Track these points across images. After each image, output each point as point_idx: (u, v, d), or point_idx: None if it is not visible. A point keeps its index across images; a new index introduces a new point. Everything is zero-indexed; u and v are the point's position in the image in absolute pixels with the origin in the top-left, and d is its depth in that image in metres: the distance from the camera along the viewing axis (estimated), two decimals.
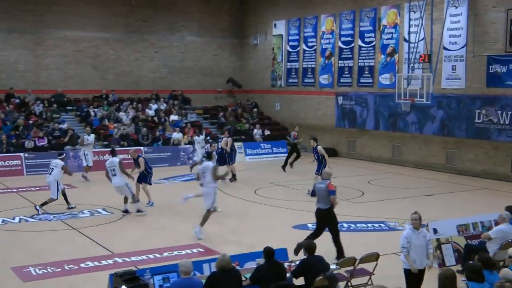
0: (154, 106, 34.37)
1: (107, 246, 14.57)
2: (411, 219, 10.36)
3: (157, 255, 13.69)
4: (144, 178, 19.68)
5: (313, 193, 13.80)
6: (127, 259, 13.41)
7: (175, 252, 13.96)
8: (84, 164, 25.27)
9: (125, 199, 18.43)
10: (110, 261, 13.31)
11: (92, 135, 26.16)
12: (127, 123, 31.47)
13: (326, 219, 13.44)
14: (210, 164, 15.83)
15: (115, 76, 36.12)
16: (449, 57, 26.58)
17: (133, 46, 36.53)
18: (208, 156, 16.65)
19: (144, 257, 13.58)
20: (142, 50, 36.86)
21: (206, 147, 25.08)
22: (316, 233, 13.46)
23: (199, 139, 26.89)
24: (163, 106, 34.79)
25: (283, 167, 27.05)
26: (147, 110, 33.87)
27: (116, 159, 18.40)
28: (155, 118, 33.31)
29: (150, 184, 19.88)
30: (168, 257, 13.49)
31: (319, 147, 21.69)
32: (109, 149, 22.69)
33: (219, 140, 25.56)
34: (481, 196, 21.64)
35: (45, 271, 12.66)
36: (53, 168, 18.74)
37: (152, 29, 36.98)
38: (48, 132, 29.39)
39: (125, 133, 30.17)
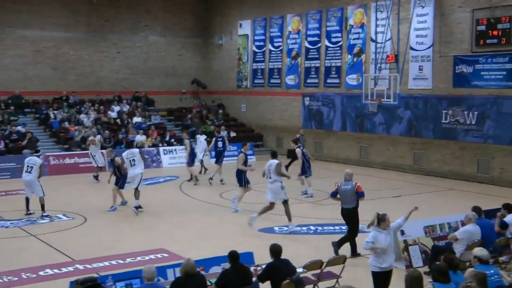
0: (117, 108, 34.14)
1: (67, 253, 14.37)
2: (387, 220, 10.49)
3: (120, 261, 13.56)
4: (117, 180, 19.55)
5: (334, 194, 14.49)
6: (88, 266, 13.24)
7: (139, 258, 13.84)
8: (94, 165, 25.75)
9: (135, 194, 18.92)
10: (71, 268, 13.12)
11: (98, 136, 27.29)
12: (88, 125, 31.17)
13: (351, 218, 14.17)
14: (274, 161, 16.96)
15: (76, 77, 35.76)
16: (416, 57, 26.90)
17: (94, 46, 36.23)
18: (273, 154, 17.65)
19: (106, 263, 13.43)
20: (104, 50, 36.58)
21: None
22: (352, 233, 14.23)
23: (201, 137, 27.77)
24: (126, 108, 34.57)
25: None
26: (109, 112, 33.62)
27: (136, 150, 19.65)
28: (118, 120, 33.05)
29: (122, 188, 19.68)
30: (131, 263, 13.36)
31: (297, 150, 21.83)
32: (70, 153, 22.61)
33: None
34: (448, 197, 21.92)
35: (0, 280, 12.38)
36: (32, 166, 18.52)
37: (114, 28, 36.73)
38: (5, 135, 28.96)
39: (87, 135, 29.86)
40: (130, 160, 19.09)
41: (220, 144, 24.93)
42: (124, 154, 19.51)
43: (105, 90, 36.09)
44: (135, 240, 15.76)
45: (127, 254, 14.12)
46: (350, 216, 14.20)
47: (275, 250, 10.03)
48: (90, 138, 26.80)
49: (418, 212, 11.72)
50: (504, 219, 13.37)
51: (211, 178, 24.30)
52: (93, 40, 36.16)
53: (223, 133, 28.50)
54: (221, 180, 24.55)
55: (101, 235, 16.42)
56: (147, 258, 13.85)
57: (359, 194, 14.13)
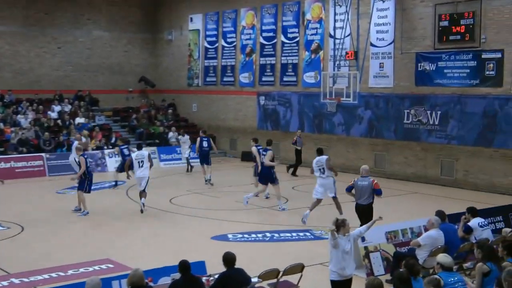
0: (57, 108, 33.68)
1: (1, 266, 14.03)
2: (347, 226, 10.56)
3: (61, 273, 13.36)
4: (82, 184, 19.49)
5: (349, 189, 15.54)
6: (25, 280, 12.98)
7: (82, 269, 13.67)
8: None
9: (141, 194, 19.91)
10: (5, 283, 12.82)
11: (187, 136, 29.52)
12: (26, 126, 30.66)
13: (366, 213, 15.12)
14: (323, 157, 18.39)
15: (12, 74, 35.13)
16: (377, 54, 27.20)
17: (33, 40, 35.66)
18: (319, 150, 18.93)
19: (46, 276, 13.21)
20: (44, 45, 36.05)
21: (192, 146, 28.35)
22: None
23: (184, 138, 29.39)
24: (68, 108, 34.12)
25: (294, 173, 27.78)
26: (49, 112, 33.15)
27: (145, 152, 20.71)
28: (59, 121, 32.60)
29: (88, 192, 19.75)
30: (74, 275, 13.21)
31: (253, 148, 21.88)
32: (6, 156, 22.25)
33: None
34: (410, 201, 22.19)
35: None
36: None
37: (55, 22, 36.22)
38: None
39: (24, 138, 29.39)
40: (138, 162, 20.12)
41: (205, 144, 25.21)
42: (133, 155, 20.59)
43: (44, 88, 35.56)
44: (78, 250, 15.54)
45: (68, 265, 13.91)
46: (365, 212, 15.18)
47: (229, 259, 10.00)
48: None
49: (383, 217, 11.83)
50: (469, 223, 13.59)
51: (206, 180, 24.94)
52: (31, 34, 35.58)
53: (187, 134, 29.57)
54: (209, 180, 25.41)
55: (40, 245, 16.14)
56: (90, 269, 13.69)
57: (377, 192, 15.38)
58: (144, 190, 19.97)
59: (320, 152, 18.74)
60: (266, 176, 20.35)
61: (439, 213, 13.20)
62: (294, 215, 19.58)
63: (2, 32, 34.73)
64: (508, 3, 23.08)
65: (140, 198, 19.94)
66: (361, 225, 14.20)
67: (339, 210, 17.86)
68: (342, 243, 10.38)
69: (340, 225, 10.54)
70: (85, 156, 19.82)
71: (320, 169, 18.29)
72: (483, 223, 13.73)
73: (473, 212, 13.88)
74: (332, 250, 10.48)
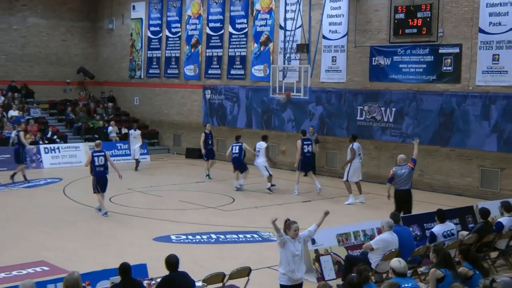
0: None
1: None
2: (292, 229, 10.51)
3: None
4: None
5: (391, 181, 17.29)
6: None
7: (14, 272, 13.48)
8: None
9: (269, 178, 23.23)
10: None
11: (138, 131, 29.46)
12: None
13: (408, 198, 17.19)
14: (263, 143, 23.34)
15: None
16: (329, 47, 27.31)
17: None
18: (354, 137, 22.12)
19: None
20: None
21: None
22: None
23: (135, 133, 29.05)
24: (1, 100, 33.50)
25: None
26: None
27: (264, 144, 23.56)
28: None
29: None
30: (6, 278, 13.02)
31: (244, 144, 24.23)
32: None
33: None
34: (364, 202, 22.27)
35: None
36: None
37: None
38: None
39: None
40: (257, 151, 23.84)
41: (235, 149, 24.14)
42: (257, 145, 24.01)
43: None
44: (10, 252, 15.29)
45: (1, 268, 13.68)
46: (408, 196, 17.19)
47: (171, 262, 9.89)
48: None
49: (330, 219, 11.77)
50: (433, 229, 13.71)
51: (237, 187, 24.06)
52: None
53: None
54: (208, 175, 26.46)
55: None
56: (24, 272, 13.51)
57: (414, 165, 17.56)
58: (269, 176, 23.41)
59: (355, 138, 22.12)
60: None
61: (393, 215, 13.28)
62: (240, 216, 19.55)
63: None
64: None
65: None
66: (396, 210, 15.80)
67: (360, 191, 21.98)
68: (291, 246, 10.35)
69: (286, 227, 10.54)
70: None
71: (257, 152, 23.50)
72: (448, 232, 13.73)
73: (440, 216, 13.93)
74: (281, 252, 10.45)
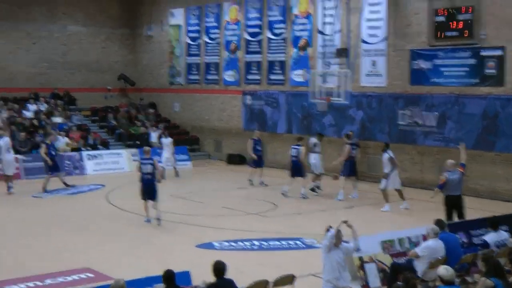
0: (33, 107, 33.47)
1: None
2: (340, 238, 10.53)
3: (38, 283, 13.30)
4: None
5: (441, 187, 17.18)
6: None
7: (60, 279, 13.60)
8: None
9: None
10: None
11: (169, 138, 28.77)
12: (0, 126, 30.41)
13: (459, 204, 17.15)
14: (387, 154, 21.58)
15: None
16: (369, 51, 27.14)
17: (5, 36, 35.40)
18: (387, 145, 21.99)
19: (22, 285, 13.13)
20: (17, 41, 35.80)
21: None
22: (448, 220, 16.15)
23: (166, 141, 28.48)
24: (44, 107, 33.91)
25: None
26: (24, 111, 32.92)
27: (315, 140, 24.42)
28: (34, 121, 32.35)
29: None
30: (52, 285, 13.15)
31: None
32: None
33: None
34: (408, 208, 22.08)
35: None
36: None
37: (28, 16, 35.99)
38: None
39: None
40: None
41: (293, 152, 24.05)
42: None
43: (19, 86, 35.33)
44: (56, 258, 15.46)
45: (46, 274, 13.82)
46: (459, 201, 17.16)
47: (219, 269, 9.94)
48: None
49: (374, 226, 11.75)
50: (484, 237, 13.54)
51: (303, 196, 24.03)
52: (2, 29, 35.31)
53: None
54: (262, 182, 26.13)
55: (13, 252, 16.03)
56: (69, 279, 13.62)
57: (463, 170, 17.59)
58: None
59: (388, 146, 22.04)
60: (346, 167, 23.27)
61: (438, 222, 13.12)
62: (283, 222, 19.52)
63: None
64: None
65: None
66: (447, 216, 16.23)
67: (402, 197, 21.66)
68: (335, 253, 10.35)
69: (337, 234, 10.55)
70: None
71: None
72: (501, 242, 13.31)
73: (493, 223, 13.68)
74: (325, 258, 10.42)
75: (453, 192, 17.02)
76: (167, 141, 28.47)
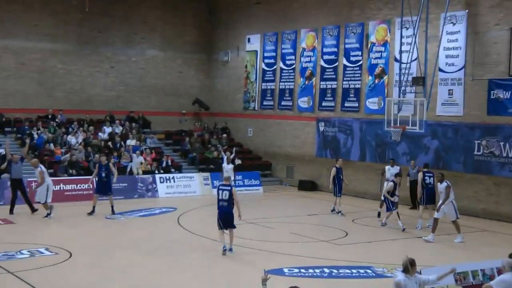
0: (108, 129, 34.16)
1: None
2: (415, 267, 10.44)
3: None
4: None
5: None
6: None
7: None
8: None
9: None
10: None
11: (231, 164, 28.59)
12: (76, 147, 31.12)
13: None
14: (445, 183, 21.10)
15: (64, 93, 35.88)
16: (446, 80, 26.89)
17: (85, 59, 36.38)
18: (443, 175, 21.60)
19: None
20: (96, 64, 36.74)
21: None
22: None
23: (228, 167, 28.39)
24: (119, 129, 34.56)
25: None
26: (99, 133, 33.63)
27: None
28: (109, 143, 33.01)
29: None
30: None
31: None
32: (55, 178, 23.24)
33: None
34: (481, 239, 21.68)
35: None
36: None
37: (108, 40, 36.92)
38: None
39: (74, 159, 29.79)
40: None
41: (428, 180, 23.71)
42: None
43: (96, 108, 36.15)
44: (126, 279, 15.62)
45: None
46: None
47: None
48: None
49: (448, 257, 11.54)
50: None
51: (333, 210, 25.06)
52: (83, 52, 36.33)
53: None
54: (339, 212, 25.50)
55: (87, 273, 16.24)
56: None
57: None
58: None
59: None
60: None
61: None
62: (353, 250, 19.36)
63: (55, 50, 35.53)
64: None
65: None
66: None
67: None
68: (409, 284, 10.21)
69: (410, 265, 10.42)
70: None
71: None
72: None
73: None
74: None
75: None
76: (229, 167, 28.47)
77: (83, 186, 27.88)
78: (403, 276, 10.38)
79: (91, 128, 33.77)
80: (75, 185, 27.68)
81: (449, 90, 26.90)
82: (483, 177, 25.69)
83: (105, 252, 18.57)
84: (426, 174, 23.31)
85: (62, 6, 35.45)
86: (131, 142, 33.38)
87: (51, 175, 28.69)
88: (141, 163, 30.72)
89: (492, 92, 25.31)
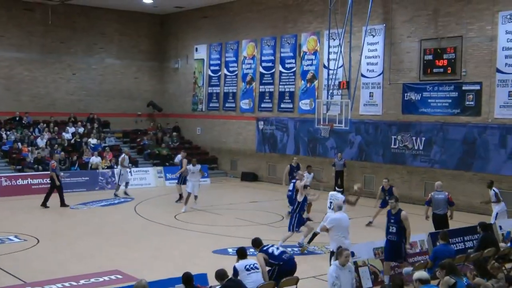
0: (71, 130, 33.90)
1: (18, 275, 14.13)
2: (343, 256, 10.68)
3: (73, 283, 13.44)
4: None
5: (428, 203, 17.27)
6: None
7: (92, 279, 13.76)
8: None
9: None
10: None
11: (198, 165, 24.19)
12: (41, 146, 30.87)
13: (443, 222, 16.87)
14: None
15: (30, 98, 35.35)
16: (367, 84, 27.49)
17: (49, 67, 35.95)
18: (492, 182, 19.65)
19: (59, 285, 13.26)
20: (59, 71, 36.32)
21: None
22: None
23: (194, 168, 23.89)
24: (81, 130, 34.34)
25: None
26: (63, 133, 33.36)
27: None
28: (72, 142, 32.79)
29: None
30: (85, 285, 13.33)
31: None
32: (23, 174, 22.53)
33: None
34: None
35: None
36: None
37: (70, 50, 36.55)
38: None
39: (40, 157, 29.59)
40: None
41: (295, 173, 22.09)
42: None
43: (60, 111, 35.80)
44: (89, 261, 15.65)
45: (80, 276, 13.99)
46: (443, 220, 16.93)
47: (221, 274, 10.11)
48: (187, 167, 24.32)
49: (368, 234, 12.00)
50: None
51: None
52: (48, 61, 35.88)
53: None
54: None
55: (54, 257, 16.24)
56: (101, 279, 13.76)
57: (451, 203, 17.05)
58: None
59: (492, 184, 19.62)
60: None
61: (443, 234, 13.43)
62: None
63: (21, 59, 35.00)
64: (486, 40, 23.44)
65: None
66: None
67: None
68: (341, 274, 10.48)
69: (340, 253, 10.74)
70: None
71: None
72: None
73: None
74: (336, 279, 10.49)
75: (438, 210, 17.08)
76: (196, 169, 23.95)
77: (48, 180, 27.64)
78: (336, 266, 10.67)
79: (56, 128, 33.49)
80: (41, 179, 27.46)
81: (370, 92, 27.51)
82: (399, 167, 26.40)
83: (70, 238, 18.54)
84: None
85: (27, 19, 34.93)
86: (92, 141, 33.22)
87: (19, 171, 28.55)
88: (101, 160, 30.63)
89: (406, 94, 26.01)
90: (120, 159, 27.20)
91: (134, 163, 32.08)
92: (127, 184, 26.91)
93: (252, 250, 12.94)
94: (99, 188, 28.89)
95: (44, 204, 23.75)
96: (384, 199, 20.26)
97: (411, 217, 20.54)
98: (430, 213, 17.34)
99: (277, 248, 12.20)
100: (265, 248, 12.04)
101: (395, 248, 13.16)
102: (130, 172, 28.38)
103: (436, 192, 17.19)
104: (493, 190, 18.99)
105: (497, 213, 18.62)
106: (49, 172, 24.54)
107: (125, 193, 26.53)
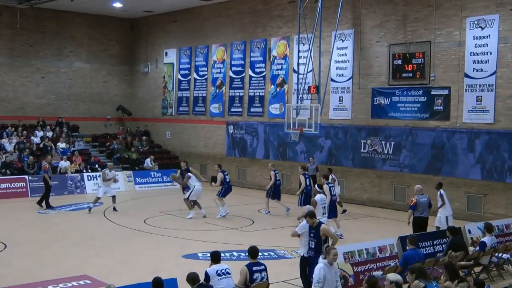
0: (40, 134, 33.39)
1: None
2: (331, 254, 10.64)
3: None
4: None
5: (413, 207, 17.15)
6: None
7: (61, 285, 13.51)
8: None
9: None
10: None
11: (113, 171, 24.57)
12: (10, 150, 30.34)
13: (425, 224, 17.05)
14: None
15: None
16: (336, 88, 27.50)
17: (18, 71, 35.41)
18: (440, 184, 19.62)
19: None
20: (28, 75, 35.80)
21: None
22: None
23: (111, 174, 24.17)
24: (50, 134, 33.84)
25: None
26: (32, 137, 32.84)
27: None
28: (41, 146, 32.28)
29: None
30: None
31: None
32: None
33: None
34: (366, 224, 22.32)
35: None
36: None
37: (39, 54, 36.06)
38: None
39: (8, 161, 29.07)
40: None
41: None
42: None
43: (28, 115, 35.26)
44: (57, 267, 15.39)
45: (49, 281, 13.75)
46: (425, 223, 17.09)
47: (193, 277, 10.00)
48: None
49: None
50: (483, 239, 14.26)
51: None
52: (16, 65, 35.34)
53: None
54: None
55: (21, 262, 15.94)
56: (69, 285, 13.55)
57: (430, 206, 17.36)
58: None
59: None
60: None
61: (412, 238, 13.38)
62: (258, 236, 19.61)
63: None
64: (454, 45, 23.57)
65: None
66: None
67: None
68: (328, 273, 10.45)
69: (327, 252, 10.73)
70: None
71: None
72: (495, 244, 14.51)
73: (488, 229, 14.46)
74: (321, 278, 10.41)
75: (422, 214, 17.13)
76: (112, 174, 24.40)
77: (16, 185, 27.25)
78: (324, 264, 10.62)
79: (24, 132, 32.96)
80: (9, 184, 26.99)
81: (339, 97, 27.52)
82: (368, 171, 26.45)
83: (38, 242, 18.25)
84: (305, 175, 22.16)
85: None
86: (61, 145, 32.75)
87: None
88: (71, 164, 30.20)
89: (375, 99, 26.06)
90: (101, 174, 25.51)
91: (103, 167, 31.69)
92: (113, 198, 24.64)
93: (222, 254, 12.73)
94: (67, 192, 28.51)
95: (47, 205, 24.28)
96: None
97: (383, 221, 20.63)
98: (411, 218, 17.32)
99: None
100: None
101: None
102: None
103: (420, 196, 17.27)
104: (440, 192, 19.03)
105: (446, 217, 18.46)
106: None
107: (114, 208, 24.48)
